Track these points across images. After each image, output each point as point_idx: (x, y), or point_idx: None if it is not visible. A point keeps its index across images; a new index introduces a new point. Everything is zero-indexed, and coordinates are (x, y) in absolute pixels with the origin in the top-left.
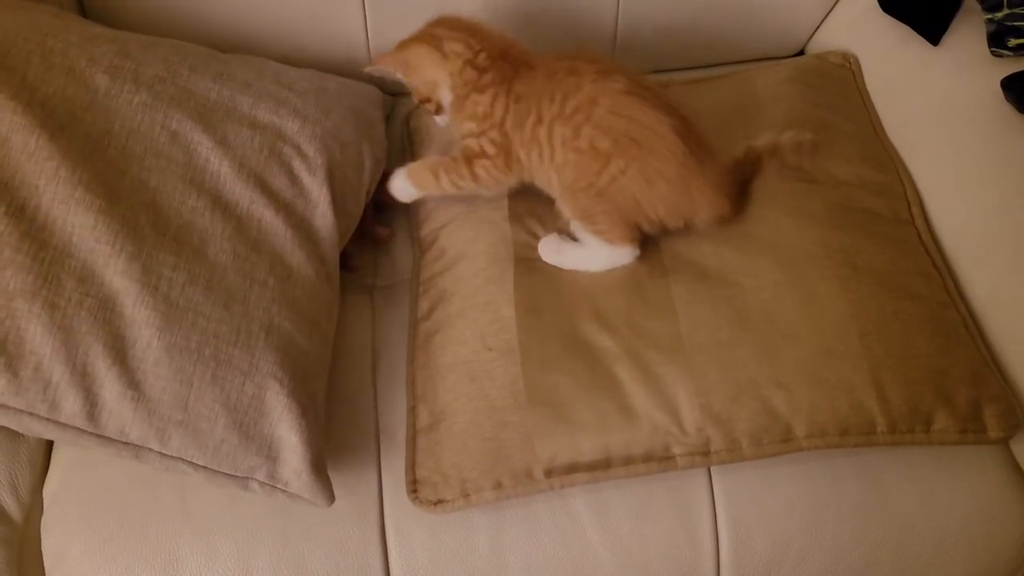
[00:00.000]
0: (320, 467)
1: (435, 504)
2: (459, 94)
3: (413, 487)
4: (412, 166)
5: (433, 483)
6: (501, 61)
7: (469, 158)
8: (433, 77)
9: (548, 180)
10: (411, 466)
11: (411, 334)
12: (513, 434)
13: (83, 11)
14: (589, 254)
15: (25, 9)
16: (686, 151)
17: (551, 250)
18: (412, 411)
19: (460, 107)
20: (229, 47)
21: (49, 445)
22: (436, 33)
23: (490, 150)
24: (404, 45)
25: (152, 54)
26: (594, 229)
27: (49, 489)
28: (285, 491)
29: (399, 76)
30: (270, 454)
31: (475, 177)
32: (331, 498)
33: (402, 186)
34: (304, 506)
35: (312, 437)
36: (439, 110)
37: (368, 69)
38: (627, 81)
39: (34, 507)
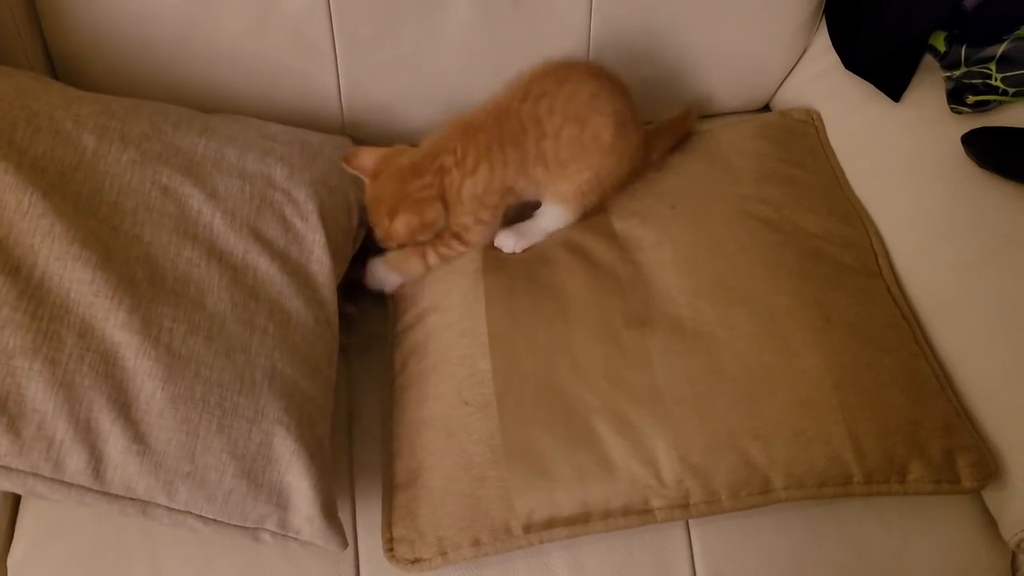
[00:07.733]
0: (332, 512)
1: (412, 563)
2: (452, 200)
3: (389, 545)
4: (392, 255)
5: (410, 541)
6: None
7: (459, 233)
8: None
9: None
10: (388, 524)
11: (386, 390)
12: (491, 490)
13: (55, 76)
14: (547, 219)
15: (6, 74)
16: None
17: (511, 241)
18: (388, 468)
19: (454, 212)
20: (201, 105)
21: (14, 512)
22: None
23: (485, 216)
24: (420, 207)
25: (136, 114)
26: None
27: (14, 559)
28: (297, 539)
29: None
30: (280, 502)
31: (468, 244)
32: (344, 543)
33: (383, 275)
34: (278, 568)
35: (322, 482)
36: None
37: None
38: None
39: None
